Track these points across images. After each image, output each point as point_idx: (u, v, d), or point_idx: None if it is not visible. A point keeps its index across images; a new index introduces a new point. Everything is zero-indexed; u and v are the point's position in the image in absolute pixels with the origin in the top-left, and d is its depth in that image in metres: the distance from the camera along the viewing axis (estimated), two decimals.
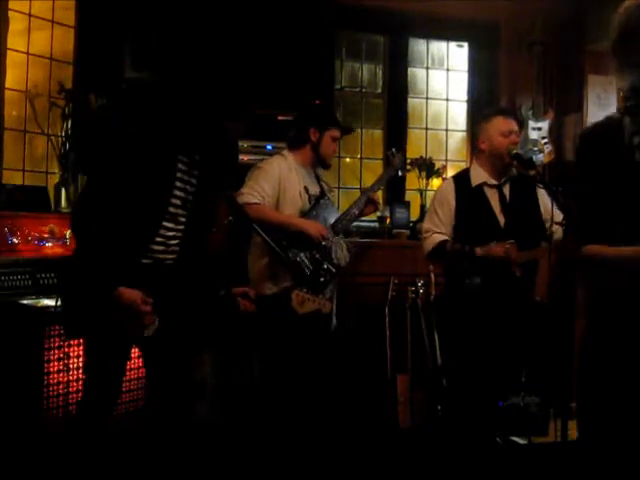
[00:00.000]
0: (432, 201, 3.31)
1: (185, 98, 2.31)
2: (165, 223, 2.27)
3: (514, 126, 3.12)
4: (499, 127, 3.10)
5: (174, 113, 2.31)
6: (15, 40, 3.82)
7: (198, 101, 2.32)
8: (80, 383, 2.88)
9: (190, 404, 2.49)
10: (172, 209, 2.28)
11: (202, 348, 3.50)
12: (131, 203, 2.18)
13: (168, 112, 2.31)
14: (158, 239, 2.26)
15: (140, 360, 2.79)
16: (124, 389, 3.02)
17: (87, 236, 2.18)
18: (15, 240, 3.31)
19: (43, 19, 3.97)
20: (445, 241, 3.11)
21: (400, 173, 4.03)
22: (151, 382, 2.59)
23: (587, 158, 1.79)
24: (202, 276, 2.45)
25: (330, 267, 3.21)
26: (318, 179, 3.38)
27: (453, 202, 3.17)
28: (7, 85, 3.79)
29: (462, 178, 3.25)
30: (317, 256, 3.17)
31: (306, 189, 3.25)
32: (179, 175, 2.28)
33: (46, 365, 2.88)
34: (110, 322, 2.16)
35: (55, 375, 2.90)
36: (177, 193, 2.28)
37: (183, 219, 2.32)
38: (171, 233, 2.30)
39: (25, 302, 3.00)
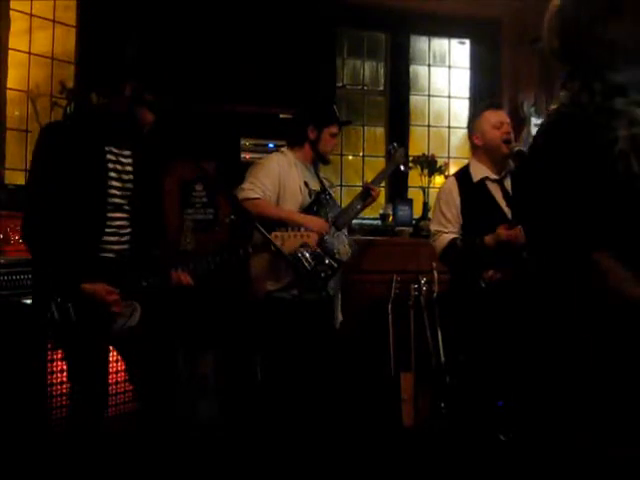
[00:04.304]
0: (437, 201, 3.29)
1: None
2: (110, 214, 2.36)
3: (504, 117, 3.16)
4: (489, 120, 3.13)
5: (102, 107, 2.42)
6: (16, 40, 3.83)
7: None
8: None
9: (173, 400, 2.53)
10: (113, 199, 2.36)
11: (204, 347, 3.50)
12: (71, 199, 2.27)
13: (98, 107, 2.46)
14: (108, 230, 2.36)
15: None
16: (121, 390, 3.03)
17: (41, 241, 2.27)
18: (17, 240, 3.31)
19: (44, 19, 3.98)
20: (455, 239, 3.11)
21: (402, 168, 4.00)
22: (132, 383, 2.66)
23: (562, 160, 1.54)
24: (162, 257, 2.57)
25: (332, 262, 3.20)
26: (318, 176, 3.38)
27: (458, 200, 3.16)
28: (9, 85, 3.80)
29: (463, 175, 3.24)
30: (318, 251, 3.16)
31: (306, 184, 3.24)
32: (110, 166, 2.36)
33: (49, 364, 2.88)
34: (85, 319, 2.24)
35: (59, 374, 2.90)
36: (113, 183, 2.37)
37: (128, 207, 2.41)
38: (120, 222, 2.39)
39: (27, 302, 3.00)
